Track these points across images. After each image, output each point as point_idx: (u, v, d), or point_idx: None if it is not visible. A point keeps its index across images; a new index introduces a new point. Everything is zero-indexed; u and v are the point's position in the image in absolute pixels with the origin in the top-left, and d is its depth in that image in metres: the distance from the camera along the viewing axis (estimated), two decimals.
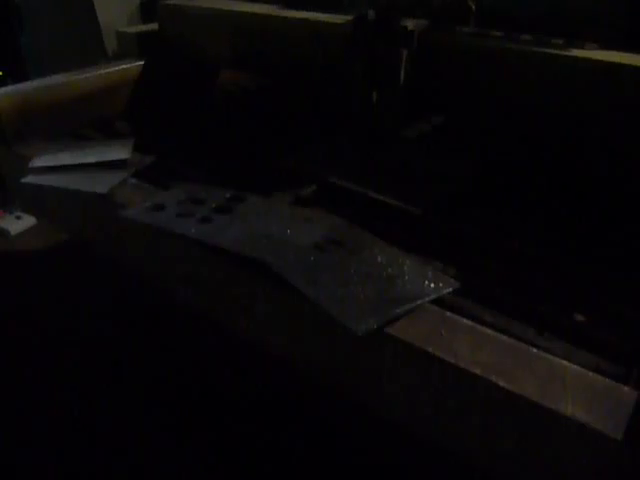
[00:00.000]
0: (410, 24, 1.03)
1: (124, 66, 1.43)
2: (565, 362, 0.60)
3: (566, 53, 0.98)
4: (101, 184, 1.00)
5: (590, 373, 0.59)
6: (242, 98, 1.50)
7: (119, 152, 1.10)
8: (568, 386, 0.57)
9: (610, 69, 0.93)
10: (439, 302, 0.70)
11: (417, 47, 1.06)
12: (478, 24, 1.13)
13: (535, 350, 0.62)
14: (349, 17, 1.13)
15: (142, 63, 1.47)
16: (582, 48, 1.00)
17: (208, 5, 1.48)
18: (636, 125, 0.91)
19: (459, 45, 1.08)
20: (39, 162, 1.09)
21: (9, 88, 1.27)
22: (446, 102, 1.14)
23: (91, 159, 1.09)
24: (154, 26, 1.59)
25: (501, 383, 0.57)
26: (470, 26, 1.13)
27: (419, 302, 0.69)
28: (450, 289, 0.72)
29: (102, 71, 1.37)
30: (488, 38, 1.09)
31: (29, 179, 1.06)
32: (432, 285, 0.72)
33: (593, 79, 0.94)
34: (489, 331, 0.65)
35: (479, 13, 1.13)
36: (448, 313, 0.67)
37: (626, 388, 0.57)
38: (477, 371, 0.59)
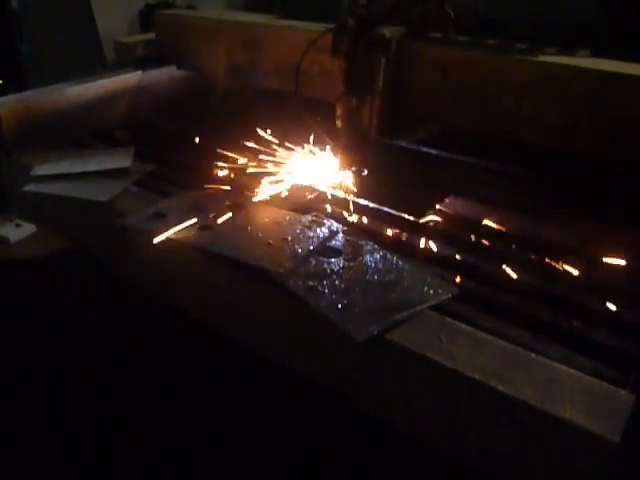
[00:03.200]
0: (388, 32, 1.05)
1: (124, 75, 1.43)
2: (563, 366, 0.61)
3: (555, 60, 0.99)
4: (102, 192, 1.01)
5: (588, 377, 0.60)
6: (239, 107, 1.51)
7: (120, 160, 1.11)
8: (566, 390, 0.58)
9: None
10: (438, 308, 0.70)
11: (395, 54, 1.07)
12: (470, 33, 1.14)
13: (533, 355, 0.63)
14: None
15: (141, 72, 1.47)
16: (573, 56, 1.01)
17: (205, 15, 1.49)
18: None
19: (437, 52, 1.09)
20: (40, 170, 1.10)
21: (10, 97, 1.27)
22: (427, 109, 1.15)
23: (92, 167, 1.10)
24: (152, 36, 1.61)
25: (500, 387, 0.58)
26: (449, 33, 1.13)
27: (418, 308, 0.70)
28: (449, 295, 0.73)
29: (102, 80, 1.38)
30: (475, 45, 1.10)
31: (30, 187, 1.06)
32: (431, 291, 0.73)
33: (585, 86, 0.95)
34: (488, 336, 0.65)
35: (477, 23, 1.14)
36: (447, 319, 0.68)
37: (623, 392, 0.58)
38: (476, 376, 0.59)
